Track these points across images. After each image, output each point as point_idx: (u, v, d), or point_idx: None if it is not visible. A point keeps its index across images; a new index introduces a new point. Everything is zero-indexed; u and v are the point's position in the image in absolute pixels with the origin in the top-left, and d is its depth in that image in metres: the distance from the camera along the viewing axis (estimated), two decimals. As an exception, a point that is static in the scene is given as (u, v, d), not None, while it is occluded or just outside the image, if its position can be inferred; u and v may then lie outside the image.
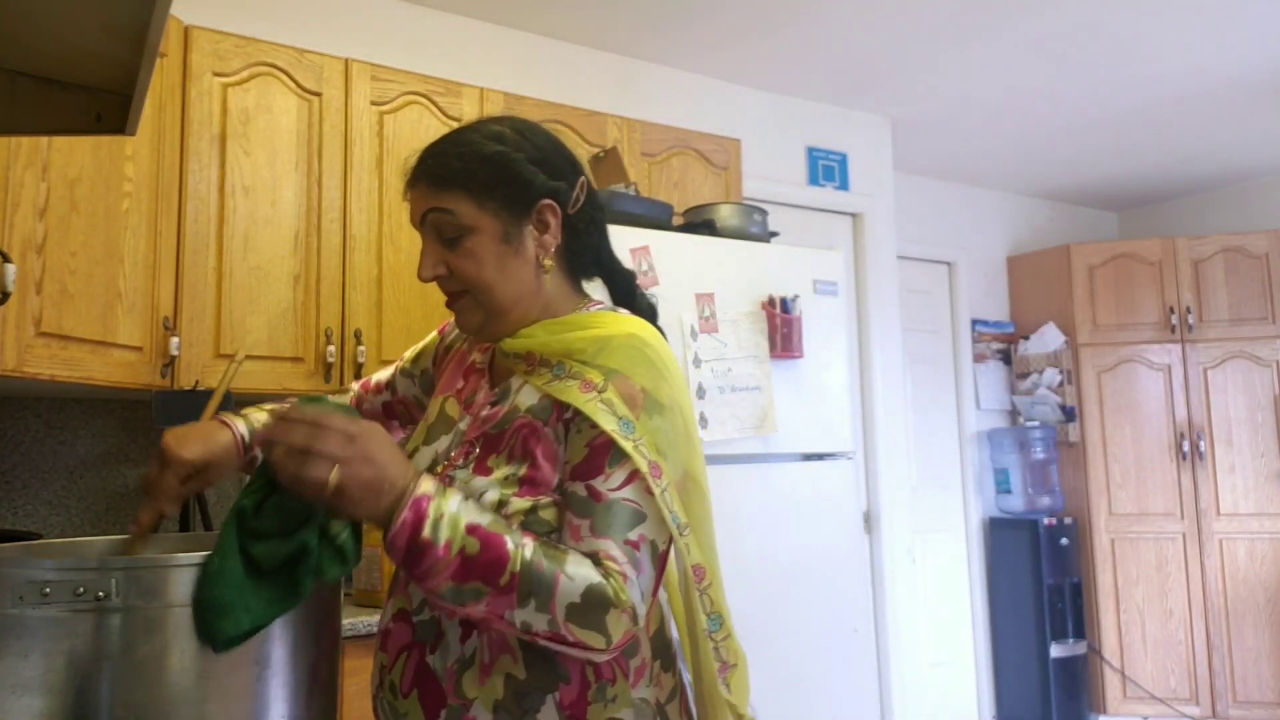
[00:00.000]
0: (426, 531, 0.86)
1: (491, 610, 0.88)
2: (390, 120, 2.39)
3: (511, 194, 1.01)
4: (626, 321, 1.04)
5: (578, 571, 0.89)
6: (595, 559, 0.91)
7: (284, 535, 0.85)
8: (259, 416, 1.16)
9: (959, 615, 4.33)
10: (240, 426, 1.13)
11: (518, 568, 0.88)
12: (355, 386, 1.31)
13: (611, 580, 0.90)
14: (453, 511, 0.89)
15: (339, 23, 2.67)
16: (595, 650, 0.90)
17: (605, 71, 3.14)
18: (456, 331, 1.21)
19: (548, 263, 1.04)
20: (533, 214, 1.03)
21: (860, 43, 3.13)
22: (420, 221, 1.04)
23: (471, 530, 0.88)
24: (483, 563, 0.87)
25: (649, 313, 1.12)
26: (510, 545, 0.88)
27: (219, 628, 0.79)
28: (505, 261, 1.02)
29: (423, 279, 1.03)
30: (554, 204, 1.03)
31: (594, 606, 0.88)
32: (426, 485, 0.89)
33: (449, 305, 1.06)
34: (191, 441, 1.08)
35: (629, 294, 1.13)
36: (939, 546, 4.28)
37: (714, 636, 1.00)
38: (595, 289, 1.15)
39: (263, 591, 0.82)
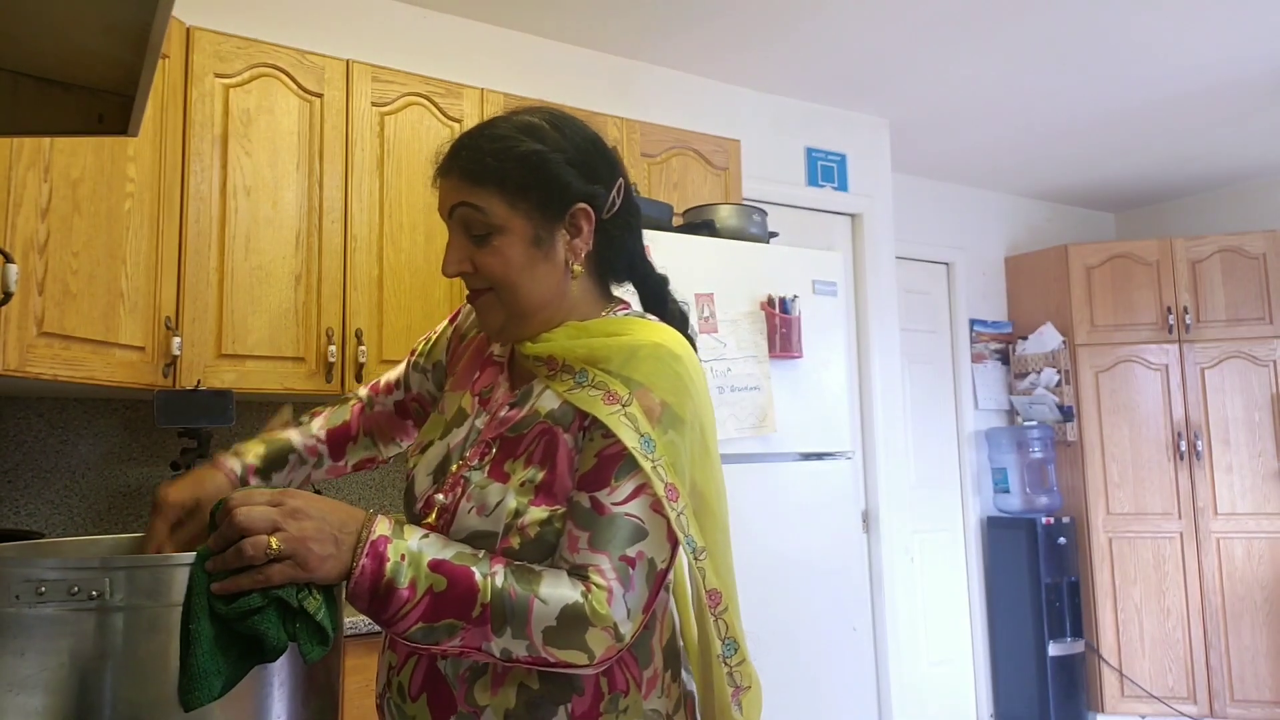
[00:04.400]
0: (388, 574, 0.85)
1: (467, 643, 0.87)
2: (391, 121, 2.40)
3: (546, 197, 0.97)
4: (655, 330, 1.00)
5: (552, 593, 0.87)
6: (582, 574, 0.89)
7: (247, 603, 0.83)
8: (255, 449, 1.15)
9: (957, 614, 4.33)
10: (231, 464, 1.11)
11: (488, 598, 0.86)
12: (363, 392, 1.26)
13: (591, 597, 0.88)
14: (414, 550, 0.87)
15: (340, 24, 2.68)
16: (580, 667, 0.89)
17: (605, 73, 3.15)
18: (472, 319, 1.16)
19: (577, 268, 1.01)
20: (566, 218, 0.99)
21: (859, 44, 3.14)
22: (449, 214, 1.00)
23: (436, 567, 0.86)
24: (452, 598, 0.86)
25: (680, 320, 1.08)
26: (479, 576, 0.87)
27: (196, 696, 0.79)
28: (534, 264, 0.98)
29: (447, 274, 1.00)
30: (588, 208, 1.00)
31: (572, 626, 0.87)
32: (382, 527, 0.88)
33: (470, 301, 1.03)
34: (180, 485, 1.06)
35: (660, 300, 1.09)
36: (937, 546, 4.29)
37: (728, 661, 0.98)
38: (624, 292, 1.11)
39: (232, 651, 0.82)
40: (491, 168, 0.97)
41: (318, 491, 1.10)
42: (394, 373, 1.25)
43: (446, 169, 1.00)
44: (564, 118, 1.03)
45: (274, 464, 1.15)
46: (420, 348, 1.23)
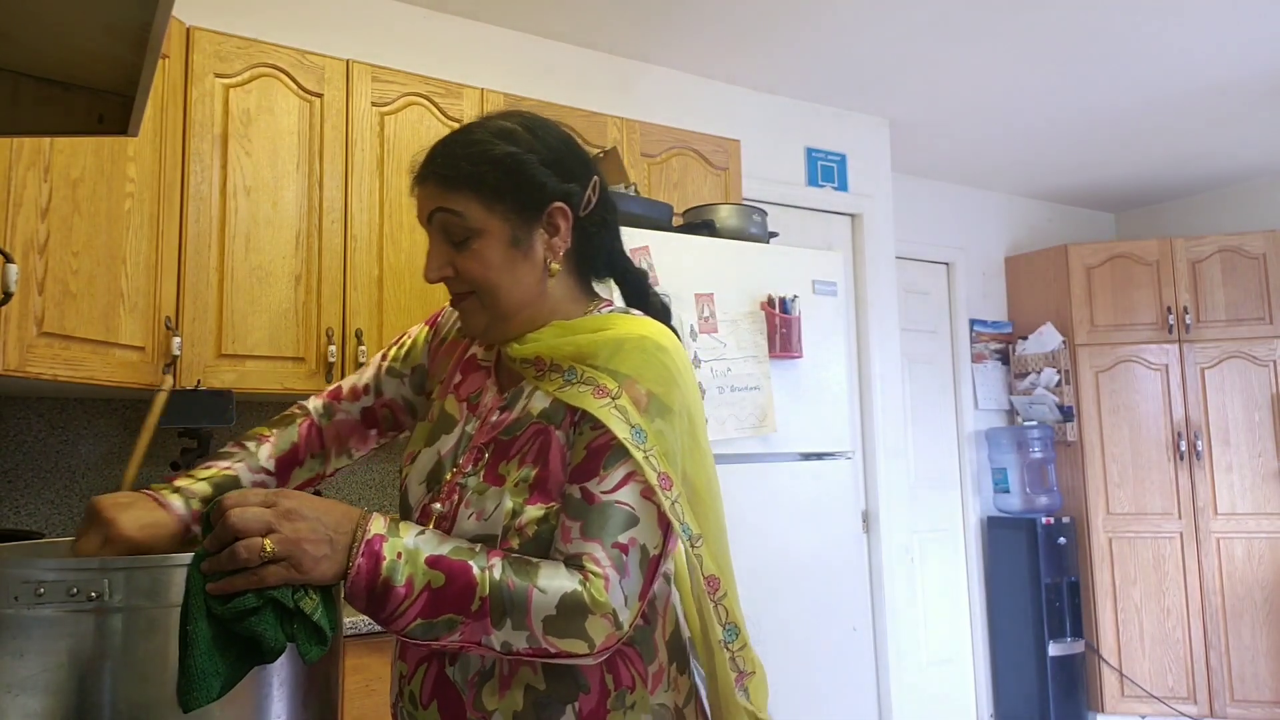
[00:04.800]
0: (385, 572, 0.85)
1: (467, 637, 0.87)
2: (391, 121, 2.40)
3: (522, 197, 0.99)
4: (639, 323, 1.02)
5: (550, 583, 0.88)
6: (577, 563, 0.90)
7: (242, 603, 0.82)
8: (201, 489, 1.06)
9: (957, 614, 4.33)
10: (175, 504, 1.02)
11: (486, 591, 0.86)
12: (315, 403, 1.19)
13: (589, 585, 0.88)
14: (410, 547, 0.87)
15: (340, 24, 2.68)
16: (580, 656, 0.89)
17: (605, 73, 3.15)
18: (452, 323, 1.16)
19: (555, 266, 1.02)
20: (543, 217, 1.01)
21: (859, 44, 3.14)
22: (427, 220, 1.01)
23: (433, 563, 0.87)
24: (451, 593, 0.86)
25: (663, 313, 1.10)
26: (476, 570, 0.87)
27: (194, 697, 0.79)
28: (513, 265, 0.99)
29: (429, 280, 1.01)
30: (565, 207, 1.01)
31: (571, 615, 0.87)
32: (377, 526, 0.87)
33: (453, 305, 1.04)
34: (137, 520, 0.98)
35: (642, 295, 1.11)
36: (937, 545, 4.29)
37: (730, 647, 0.99)
38: (606, 289, 1.12)
39: (230, 652, 0.81)
40: (467, 172, 0.98)
41: (317, 492, 1.09)
42: (360, 377, 1.20)
43: (423, 176, 1.02)
44: (537, 120, 1.04)
45: None
46: (393, 352, 1.20)
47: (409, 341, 1.20)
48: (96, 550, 0.96)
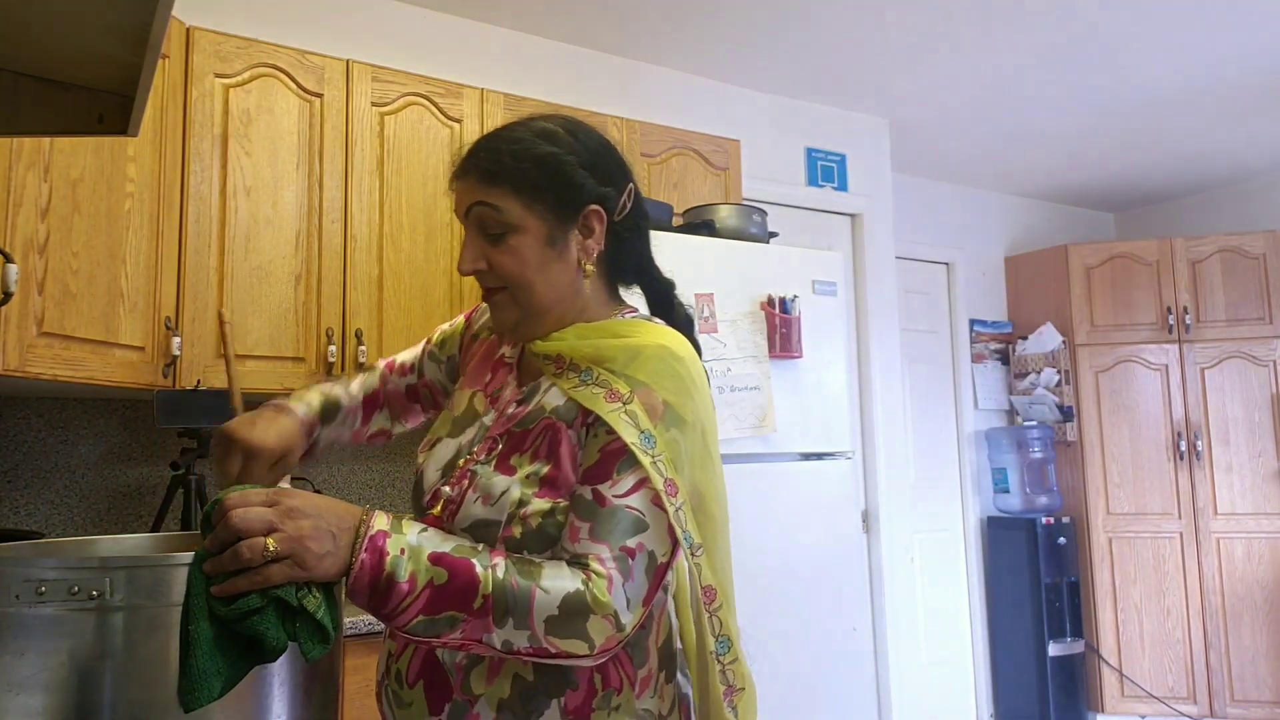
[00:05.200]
0: (388, 568, 0.85)
1: (468, 635, 0.87)
2: (391, 121, 2.40)
3: (560, 197, 1.01)
4: (660, 333, 1.03)
5: (554, 584, 0.88)
6: (582, 562, 0.90)
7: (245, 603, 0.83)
8: (313, 399, 1.18)
9: (957, 614, 4.33)
10: (299, 409, 1.14)
11: (489, 590, 0.87)
12: (380, 365, 1.30)
13: (592, 586, 0.89)
14: (413, 544, 0.87)
15: (340, 24, 2.68)
16: (580, 657, 0.89)
17: (605, 73, 3.15)
18: (485, 320, 1.19)
19: (589, 268, 1.04)
20: (579, 218, 1.03)
21: (859, 44, 3.14)
22: (465, 213, 1.03)
23: (436, 560, 0.87)
24: (453, 591, 0.86)
25: (686, 324, 1.11)
26: (479, 568, 0.88)
27: (195, 697, 0.79)
28: (547, 263, 1.01)
29: (462, 272, 1.03)
30: (601, 210, 1.03)
31: (573, 615, 0.88)
32: (380, 522, 0.88)
33: (485, 299, 1.06)
34: (267, 430, 1.06)
35: (667, 304, 1.13)
36: (937, 545, 4.29)
37: (721, 659, 0.99)
38: (632, 297, 1.14)
39: (232, 651, 0.81)
40: (509, 168, 1.00)
41: (317, 491, 1.10)
42: (409, 355, 1.28)
43: (464, 170, 1.03)
44: (578, 124, 1.06)
45: (329, 416, 1.20)
46: (436, 337, 1.26)
47: (449, 330, 1.26)
48: (239, 470, 1.02)
